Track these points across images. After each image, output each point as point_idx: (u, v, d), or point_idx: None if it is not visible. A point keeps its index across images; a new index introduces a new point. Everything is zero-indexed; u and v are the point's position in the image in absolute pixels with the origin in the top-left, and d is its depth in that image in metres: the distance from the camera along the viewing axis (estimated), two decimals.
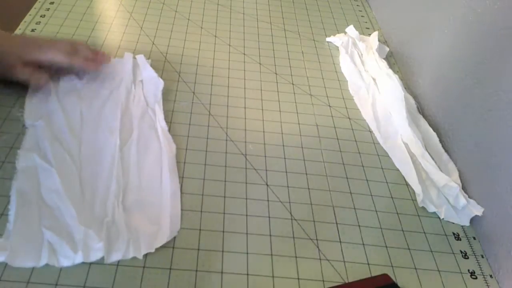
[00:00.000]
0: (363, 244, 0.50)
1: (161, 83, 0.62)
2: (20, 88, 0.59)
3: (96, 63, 0.62)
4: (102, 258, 0.44)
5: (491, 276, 0.49)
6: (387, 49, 0.78)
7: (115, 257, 0.44)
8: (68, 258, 0.43)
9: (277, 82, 0.69)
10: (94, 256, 0.44)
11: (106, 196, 0.48)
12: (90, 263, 0.43)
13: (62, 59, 0.59)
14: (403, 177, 0.58)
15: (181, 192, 0.51)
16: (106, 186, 0.49)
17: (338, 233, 0.50)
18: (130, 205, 0.48)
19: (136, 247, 0.45)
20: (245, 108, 0.64)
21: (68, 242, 0.44)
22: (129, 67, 0.64)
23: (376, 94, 0.68)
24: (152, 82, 0.63)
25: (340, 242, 0.49)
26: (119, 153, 0.52)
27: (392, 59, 0.78)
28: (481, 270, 0.49)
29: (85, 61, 0.60)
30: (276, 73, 0.71)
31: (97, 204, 0.47)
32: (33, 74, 0.58)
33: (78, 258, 0.43)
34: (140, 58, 0.66)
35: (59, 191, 0.47)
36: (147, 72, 0.64)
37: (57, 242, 0.44)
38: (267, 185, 0.54)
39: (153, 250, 0.45)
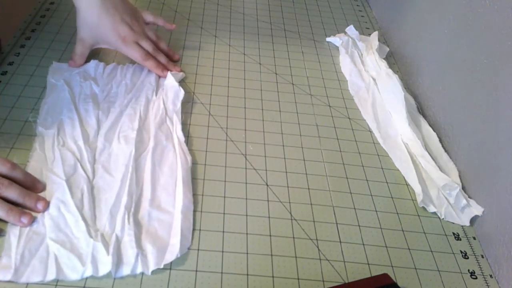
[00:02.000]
0: (363, 244, 0.50)
1: (181, 92, 0.61)
2: (21, 88, 0.59)
3: (163, 73, 0.64)
4: (110, 272, 0.42)
5: (491, 276, 0.49)
6: (387, 49, 0.78)
7: (123, 271, 0.43)
8: (77, 272, 0.42)
9: (277, 82, 0.69)
10: (103, 270, 0.42)
11: (117, 208, 0.47)
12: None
13: (136, 58, 0.64)
14: (403, 177, 0.58)
15: None
16: (118, 197, 0.48)
17: (338, 233, 0.50)
18: (141, 218, 0.47)
19: (144, 262, 0.44)
20: (245, 108, 0.64)
21: (76, 255, 0.43)
22: (154, 76, 0.64)
23: (376, 94, 0.68)
24: (172, 90, 0.62)
25: (340, 242, 0.49)
26: (133, 163, 0.51)
27: (392, 59, 0.78)
28: (481, 270, 0.49)
29: (155, 66, 0.64)
30: (276, 73, 0.71)
31: (107, 216, 0.46)
32: (155, 65, 0.64)
33: (87, 272, 0.42)
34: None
35: (67, 202, 0.46)
36: (169, 80, 0.63)
37: (64, 255, 0.43)
38: (267, 185, 0.54)
39: (161, 266, 0.44)
